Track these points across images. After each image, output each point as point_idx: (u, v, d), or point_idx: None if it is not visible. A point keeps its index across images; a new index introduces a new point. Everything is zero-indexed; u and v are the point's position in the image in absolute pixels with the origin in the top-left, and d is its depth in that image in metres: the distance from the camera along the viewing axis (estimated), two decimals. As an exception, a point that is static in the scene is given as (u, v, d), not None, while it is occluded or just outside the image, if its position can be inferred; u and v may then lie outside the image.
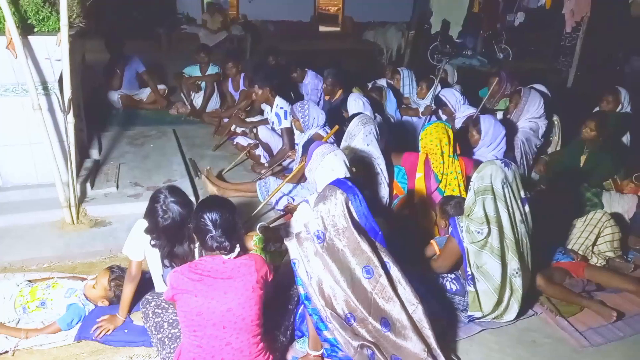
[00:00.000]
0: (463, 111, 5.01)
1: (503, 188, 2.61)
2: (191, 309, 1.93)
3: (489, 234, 2.60)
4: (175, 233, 2.39)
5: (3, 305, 2.54)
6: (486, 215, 2.61)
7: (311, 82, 5.81)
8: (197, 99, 6.35)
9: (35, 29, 3.37)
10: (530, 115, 4.37)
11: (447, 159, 3.38)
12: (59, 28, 3.16)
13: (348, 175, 2.71)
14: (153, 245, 2.43)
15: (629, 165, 4.19)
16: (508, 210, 2.63)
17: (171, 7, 12.30)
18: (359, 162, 3.35)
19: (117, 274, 2.63)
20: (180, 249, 2.44)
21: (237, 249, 2.02)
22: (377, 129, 3.56)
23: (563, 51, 9.71)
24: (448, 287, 2.77)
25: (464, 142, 3.88)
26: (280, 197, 3.85)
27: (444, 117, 5.10)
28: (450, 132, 3.42)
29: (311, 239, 2.27)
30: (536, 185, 4.35)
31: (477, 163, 3.07)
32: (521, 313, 2.75)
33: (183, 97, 6.39)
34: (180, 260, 2.43)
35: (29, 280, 2.76)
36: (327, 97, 5.02)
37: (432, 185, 3.43)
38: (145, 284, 2.57)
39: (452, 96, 4.92)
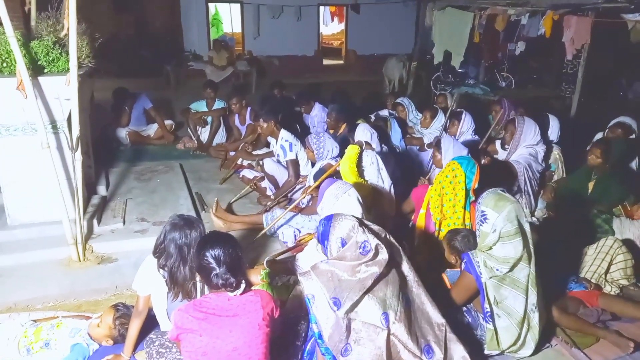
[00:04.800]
0: (465, 138, 5.02)
1: (527, 224, 2.55)
2: (196, 349, 1.89)
3: (510, 270, 2.53)
4: (181, 245, 2.33)
5: (7, 346, 2.51)
6: (520, 257, 2.51)
7: (318, 115, 5.88)
8: (204, 134, 6.44)
9: (45, 70, 3.45)
10: (528, 142, 4.36)
11: (450, 209, 3.19)
12: (68, 68, 3.24)
13: (363, 212, 2.68)
14: (157, 265, 2.38)
15: (638, 190, 4.14)
16: (533, 244, 2.57)
17: (178, 45, 12.62)
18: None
19: (122, 312, 2.60)
20: (181, 271, 2.36)
21: (243, 285, 1.99)
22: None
23: (565, 78, 9.79)
24: (459, 320, 2.69)
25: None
26: (281, 228, 3.85)
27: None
28: (462, 180, 3.13)
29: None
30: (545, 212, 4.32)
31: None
32: (537, 348, 2.66)
33: (190, 132, 6.49)
34: (180, 287, 2.38)
35: (33, 320, 2.74)
36: (331, 131, 5.09)
37: (431, 226, 3.30)
38: (149, 323, 2.53)
39: (468, 120, 4.90)
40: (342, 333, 2.09)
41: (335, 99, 6.12)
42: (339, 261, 2.12)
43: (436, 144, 3.96)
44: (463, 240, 2.87)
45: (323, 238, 2.24)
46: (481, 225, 2.57)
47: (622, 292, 3.21)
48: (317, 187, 3.55)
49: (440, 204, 3.22)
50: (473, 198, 3.20)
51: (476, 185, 3.16)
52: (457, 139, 4.95)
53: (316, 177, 4.06)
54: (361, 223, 2.18)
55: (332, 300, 2.06)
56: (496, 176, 4.23)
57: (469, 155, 3.86)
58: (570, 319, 2.85)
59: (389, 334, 2.08)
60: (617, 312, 2.98)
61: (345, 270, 2.09)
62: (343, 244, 2.15)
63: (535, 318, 2.59)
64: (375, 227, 2.26)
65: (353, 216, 2.25)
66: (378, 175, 3.68)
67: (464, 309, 2.74)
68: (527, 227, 2.55)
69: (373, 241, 2.10)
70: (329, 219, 2.23)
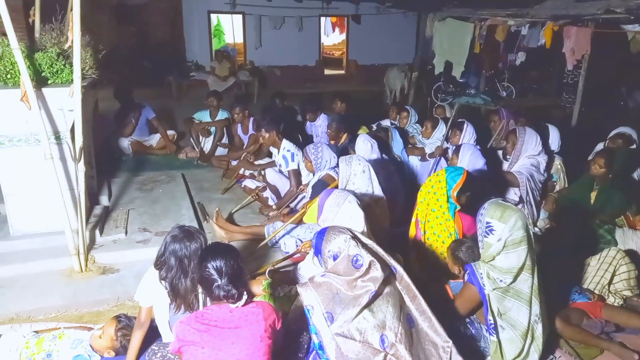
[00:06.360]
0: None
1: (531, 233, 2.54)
2: (198, 361, 1.88)
3: (513, 281, 2.51)
4: (181, 257, 2.33)
5: (8, 357, 2.50)
6: (523, 265, 2.49)
7: (322, 125, 5.90)
8: (207, 144, 6.46)
9: (49, 81, 3.48)
10: (529, 153, 4.36)
11: (435, 220, 3.23)
12: (72, 80, 3.26)
13: (365, 217, 2.68)
14: (159, 276, 2.38)
15: (641, 201, 4.14)
16: (535, 254, 2.55)
17: (180, 56, 12.71)
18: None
19: (124, 323, 2.58)
20: (182, 283, 2.35)
21: (245, 297, 1.99)
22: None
23: (566, 88, 9.83)
24: (462, 332, 2.68)
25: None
26: (283, 238, 3.84)
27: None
28: (444, 186, 3.18)
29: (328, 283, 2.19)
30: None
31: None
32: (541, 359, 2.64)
33: (192, 141, 6.51)
34: (182, 298, 2.37)
35: (35, 331, 2.73)
36: (332, 142, 5.11)
37: (419, 234, 3.31)
38: (151, 334, 2.53)
39: (470, 130, 4.85)
40: (338, 348, 2.09)
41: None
42: (335, 275, 2.12)
43: (455, 149, 4.07)
44: (467, 251, 2.85)
45: (316, 252, 2.26)
46: (486, 236, 2.54)
47: (626, 303, 3.19)
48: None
49: (425, 212, 3.25)
50: (458, 207, 3.21)
51: (456, 191, 3.17)
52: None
53: (315, 188, 4.06)
54: (354, 237, 2.19)
55: (326, 314, 2.08)
56: (498, 186, 4.25)
57: (485, 164, 3.93)
58: (574, 331, 2.83)
59: (385, 356, 2.08)
60: (621, 324, 2.96)
61: (342, 284, 2.10)
62: (335, 258, 2.17)
63: (538, 329, 2.57)
64: (372, 245, 2.25)
65: (348, 229, 2.25)
66: (369, 184, 3.66)
67: (467, 320, 2.72)
68: (532, 237, 2.55)
69: (366, 256, 2.10)
70: (322, 232, 2.24)
